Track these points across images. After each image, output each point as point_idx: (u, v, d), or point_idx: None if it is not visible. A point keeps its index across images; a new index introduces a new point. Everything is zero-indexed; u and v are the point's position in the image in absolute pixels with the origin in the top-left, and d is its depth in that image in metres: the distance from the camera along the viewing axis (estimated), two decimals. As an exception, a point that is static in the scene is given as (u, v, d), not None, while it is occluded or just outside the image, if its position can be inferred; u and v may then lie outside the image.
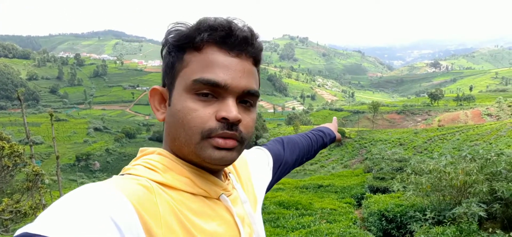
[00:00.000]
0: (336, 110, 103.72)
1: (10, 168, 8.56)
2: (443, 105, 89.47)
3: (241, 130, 0.66)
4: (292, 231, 7.15)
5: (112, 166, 64.02)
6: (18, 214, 7.83)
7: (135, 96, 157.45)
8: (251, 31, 0.68)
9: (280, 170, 1.04)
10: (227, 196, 0.72)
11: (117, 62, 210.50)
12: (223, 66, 0.64)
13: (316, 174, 27.95)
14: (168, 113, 0.68)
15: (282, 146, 1.08)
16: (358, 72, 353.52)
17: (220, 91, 0.64)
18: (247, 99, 0.68)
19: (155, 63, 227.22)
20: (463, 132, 45.22)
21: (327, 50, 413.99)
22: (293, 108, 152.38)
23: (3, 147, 8.43)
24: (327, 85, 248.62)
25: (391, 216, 6.88)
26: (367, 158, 33.52)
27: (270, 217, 8.61)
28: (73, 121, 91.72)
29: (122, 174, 0.65)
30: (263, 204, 10.20)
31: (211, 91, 0.64)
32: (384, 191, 10.20)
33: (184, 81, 0.65)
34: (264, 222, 8.29)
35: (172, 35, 0.68)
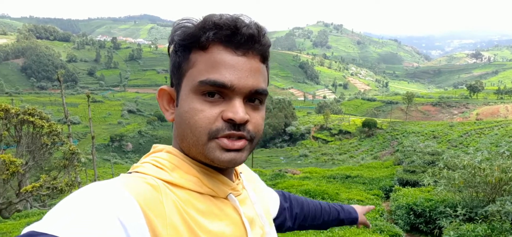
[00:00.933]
0: (368, 100, 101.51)
1: (49, 146, 9.00)
2: (483, 98, 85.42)
3: (249, 129, 0.65)
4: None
5: (144, 148, 65.90)
6: (55, 191, 8.24)
7: (167, 80, 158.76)
8: (258, 27, 0.66)
9: (285, 217, 1.03)
10: (236, 196, 0.72)
11: (152, 46, 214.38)
12: (229, 66, 0.63)
13: (344, 164, 27.63)
14: (176, 113, 0.68)
15: (284, 197, 1.07)
16: (394, 61, 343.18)
17: (227, 91, 0.63)
18: (255, 97, 0.66)
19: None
20: (502, 127, 43.06)
21: (362, 38, 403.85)
22: (324, 97, 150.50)
23: (43, 126, 8.88)
24: (360, 74, 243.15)
25: (419, 211, 6.71)
26: (398, 150, 32.71)
27: (295, 205, 8.62)
28: (108, 103, 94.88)
29: (130, 172, 0.65)
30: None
31: (218, 91, 0.63)
32: (414, 184, 9.94)
33: (191, 82, 0.64)
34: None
35: (178, 33, 0.67)
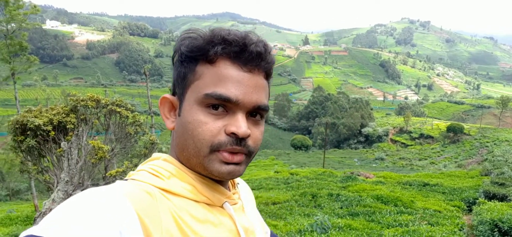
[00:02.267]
0: (455, 102, 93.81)
1: (132, 136, 9.85)
2: None
3: (249, 144, 0.66)
4: (388, 228, 6.80)
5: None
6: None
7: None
8: (264, 46, 0.68)
9: None
10: (232, 205, 0.72)
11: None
12: (235, 81, 0.64)
13: (424, 171, 25.86)
14: (178, 122, 0.69)
15: None
16: (488, 61, 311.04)
17: (231, 105, 0.64)
18: (257, 112, 0.68)
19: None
20: None
21: (451, 35, 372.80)
22: (406, 98, 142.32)
23: (128, 116, 9.73)
24: (447, 74, 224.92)
25: (506, 228, 6.04)
26: (486, 159, 29.70)
27: (365, 210, 8.31)
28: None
29: (126, 179, 0.66)
30: (360, 195, 9.88)
31: (222, 104, 0.64)
32: (502, 199, 8.97)
33: (196, 93, 0.65)
34: (358, 214, 8.06)
35: (185, 45, 0.68)
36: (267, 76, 0.71)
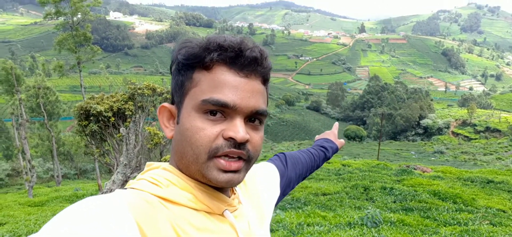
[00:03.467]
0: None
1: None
2: None
3: (248, 149, 0.66)
4: (444, 226, 6.44)
5: (271, 130, 68.80)
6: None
7: (298, 66, 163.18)
8: (260, 51, 0.68)
9: (285, 186, 1.03)
10: (232, 212, 0.72)
11: (285, 31, 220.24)
12: (232, 87, 0.64)
13: (488, 167, 24.12)
14: (176, 130, 0.69)
15: (285, 162, 1.07)
16: None
17: (229, 111, 0.64)
18: (255, 117, 0.68)
19: (320, 33, 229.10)
20: None
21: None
22: (470, 88, 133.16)
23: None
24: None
25: None
26: None
27: (420, 205, 7.94)
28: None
29: (126, 188, 0.66)
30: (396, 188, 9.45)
31: (220, 110, 0.64)
32: None
33: (193, 100, 0.65)
34: (412, 209, 7.72)
35: (181, 53, 0.68)
36: (265, 81, 0.71)
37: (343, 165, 16.63)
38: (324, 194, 9.42)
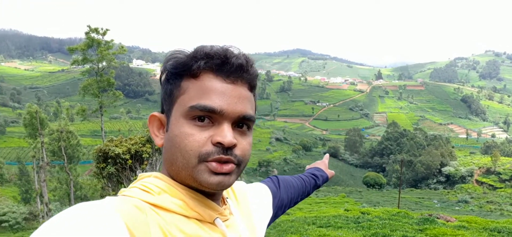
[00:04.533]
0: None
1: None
2: None
3: (237, 154, 0.67)
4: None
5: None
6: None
7: (314, 111, 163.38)
8: (246, 58, 0.70)
9: (277, 207, 1.03)
10: (223, 221, 0.72)
11: (301, 78, 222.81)
12: (219, 93, 0.66)
13: (517, 218, 22.95)
14: (166, 138, 0.70)
15: (278, 184, 1.08)
16: None
17: (216, 116, 0.66)
18: (243, 123, 0.69)
19: (337, 80, 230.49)
20: None
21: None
22: (493, 136, 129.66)
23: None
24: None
25: None
26: None
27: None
28: (259, 130, 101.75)
29: (117, 196, 0.67)
30: None
31: (208, 116, 0.66)
32: None
33: (182, 107, 0.67)
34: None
35: (170, 63, 0.70)
36: (251, 88, 0.73)
37: (362, 212, 16.15)
38: (342, 243, 9.09)
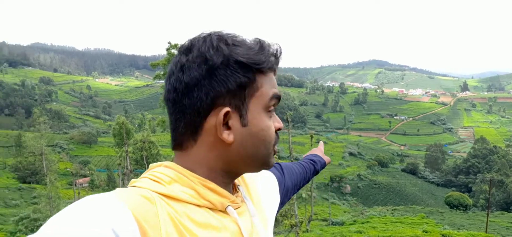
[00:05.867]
0: None
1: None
2: None
3: None
4: None
5: (362, 192, 65.33)
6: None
7: (392, 125, 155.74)
8: (280, 50, 0.75)
9: (283, 194, 1.06)
10: (235, 209, 0.73)
11: (378, 90, 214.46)
12: (275, 84, 0.74)
13: None
14: (244, 133, 0.69)
15: (282, 170, 1.10)
16: None
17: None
18: None
19: (416, 92, 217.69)
20: None
21: None
22: None
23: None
24: None
25: None
26: None
27: None
28: (331, 144, 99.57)
29: (128, 187, 0.67)
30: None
31: (274, 106, 0.72)
32: None
33: (262, 101, 0.70)
34: None
35: (240, 53, 0.67)
36: None
37: (443, 235, 15.05)
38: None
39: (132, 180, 0.69)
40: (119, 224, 0.53)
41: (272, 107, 0.71)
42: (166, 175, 0.67)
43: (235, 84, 0.67)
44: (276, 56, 0.72)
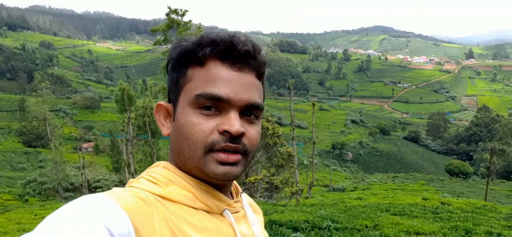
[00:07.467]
0: None
1: (271, 146, 10.39)
2: None
3: (245, 143, 0.66)
4: None
5: (363, 159, 65.86)
6: (272, 186, 9.38)
7: (395, 93, 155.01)
8: (253, 45, 0.68)
9: None
10: (233, 213, 0.71)
11: (381, 57, 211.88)
12: (225, 80, 0.65)
13: None
14: (173, 128, 0.70)
15: None
16: None
17: (223, 104, 0.65)
18: (250, 112, 0.68)
19: (421, 59, 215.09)
20: None
21: None
22: None
23: (268, 128, 10.31)
24: None
25: None
26: None
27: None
28: (334, 112, 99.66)
29: (125, 187, 0.66)
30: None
31: (214, 104, 0.65)
32: None
33: (188, 96, 0.66)
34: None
35: (176, 51, 0.69)
36: (259, 75, 0.71)
37: (442, 203, 15.17)
38: (417, 234, 8.63)
39: (130, 180, 0.68)
40: (113, 225, 0.52)
41: (203, 105, 0.65)
42: (163, 176, 0.67)
43: (170, 80, 0.71)
44: (216, 43, 0.66)
